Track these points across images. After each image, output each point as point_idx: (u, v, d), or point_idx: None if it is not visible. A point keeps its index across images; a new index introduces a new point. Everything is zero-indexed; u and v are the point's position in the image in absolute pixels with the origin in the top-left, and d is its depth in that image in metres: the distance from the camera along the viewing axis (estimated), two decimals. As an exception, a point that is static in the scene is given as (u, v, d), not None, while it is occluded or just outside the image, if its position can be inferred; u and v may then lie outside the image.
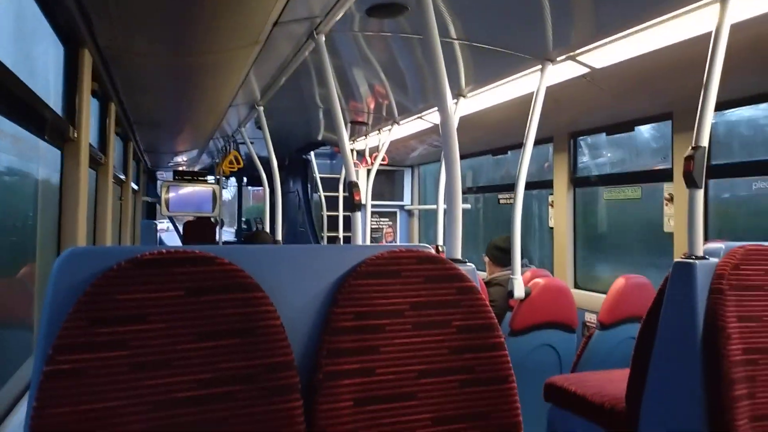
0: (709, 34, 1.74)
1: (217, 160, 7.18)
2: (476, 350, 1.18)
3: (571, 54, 2.50)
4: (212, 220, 7.37)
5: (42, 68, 2.08)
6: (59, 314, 0.93)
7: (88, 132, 2.24)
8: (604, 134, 3.52)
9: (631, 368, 1.77)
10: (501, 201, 4.79)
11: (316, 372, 1.08)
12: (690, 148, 1.68)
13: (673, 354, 1.61)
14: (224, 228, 8.41)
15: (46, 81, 2.07)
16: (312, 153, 6.29)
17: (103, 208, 3.07)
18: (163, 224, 10.55)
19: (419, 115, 4.04)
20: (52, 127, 1.87)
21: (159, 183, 7.15)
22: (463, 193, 1.64)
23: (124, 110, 3.74)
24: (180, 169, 7.64)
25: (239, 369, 1.01)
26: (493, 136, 4.36)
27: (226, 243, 8.00)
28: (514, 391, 1.18)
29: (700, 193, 1.69)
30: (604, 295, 2.82)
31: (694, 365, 1.52)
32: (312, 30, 2.27)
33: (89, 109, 2.23)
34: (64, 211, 2.11)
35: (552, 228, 3.86)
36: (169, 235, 10.53)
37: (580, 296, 3.35)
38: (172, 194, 6.71)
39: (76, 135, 2.11)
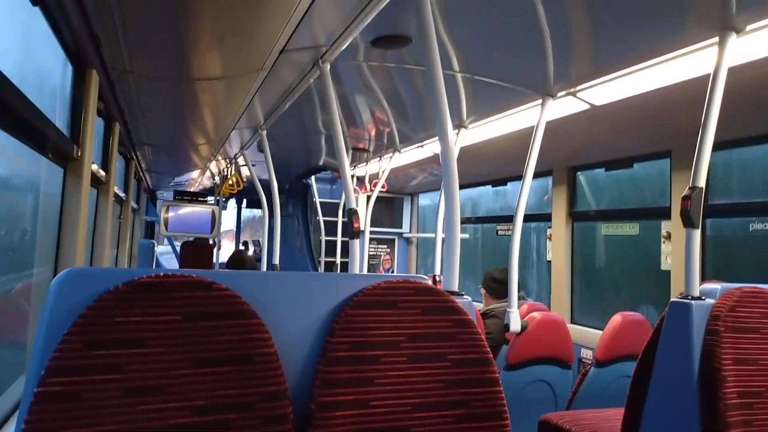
0: (708, 75, 1.77)
1: (217, 182, 7.20)
2: (471, 385, 1.17)
3: (572, 90, 2.53)
4: (210, 242, 7.35)
5: (49, 87, 2.11)
6: (54, 335, 0.93)
7: (92, 151, 2.25)
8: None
9: (627, 407, 1.76)
10: (499, 232, 4.79)
11: (309, 402, 1.07)
12: (687, 188, 1.70)
13: (668, 394, 1.60)
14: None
15: (52, 100, 2.09)
16: (312, 177, 6.32)
17: (103, 226, 3.07)
18: (162, 247, 10.49)
19: (420, 143, 4.08)
20: (56, 145, 1.88)
21: (159, 203, 7.15)
22: (462, 223, 1.65)
23: (128, 130, 3.77)
24: (180, 189, 7.65)
25: (233, 397, 1.00)
26: (493, 168, 4.39)
27: (222, 265, 7.97)
28: (508, 428, 1.17)
29: (697, 233, 1.70)
30: (600, 331, 2.81)
31: (689, 407, 1.51)
32: (317, 58, 2.30)
33: (93, 128, 2.25)
34: (64, 229, 2.11)
35: (550, 261, 3.86)
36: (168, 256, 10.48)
37: (576, 332, 3.33)
38: (171, 214, 6.70)
39: (79, 154, 2.12)
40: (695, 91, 2.01)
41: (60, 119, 2.09)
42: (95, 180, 2.72)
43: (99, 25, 1.91)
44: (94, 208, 3.03)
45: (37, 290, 2.10)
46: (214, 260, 7.13)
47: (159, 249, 9.28)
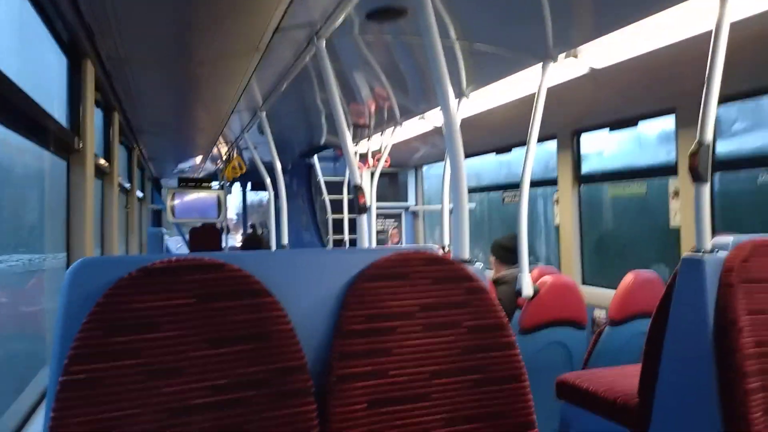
0: (710, 30, 1.74)
1: (221, 166, 7.21)
2: (488, 350, 1.18)
3: (572, 52, 2.50)
4: (217, 226, 7.38)
5: (45, 80, 2.10)
6: (73, 324, 0.94)
7: (93, 142, 2.25)
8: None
9: (643, 364, 1.77)
10: (506, 200, 4.78)
11: (328, 375, 1.08)
12: (695, 143, 1.68)
13: (684, 348, 1.61)
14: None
15: (49, 92, 2.08)
16: (315, 156, 6.31)
17: (110, 216, 3.08)
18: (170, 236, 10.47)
19: (421, 115, 4.05)
20: (58, 138, 1.88)
21: (164, 190, 7.17)
22: (468, 192, 1.64)
23: (128, 119, 3.76)
24: (184, 176, 7.66)
25: (252, 374, 1.01)
26: (497, 136, 4.36)
27: (232, 249, 8.03)
28: (527, 389, 1.18)
29: (706, 188, 1.69)
30: (612, 291, 2.82)
31: (706, 359, 1.52)
32: (312, 35, 2.28)
33: (93, 119, 2.24)
34: (72, 220, 2.12)
35: (558, 226, 3.86)
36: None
37: (589, 292, 3.34)
38: (177, 201, 6.72)
39: (81, 145, 2.12)
40: (698, 46, 1.98)
41: (59, 112, 2.08)
42: (99, 171, 2.72)
43: (91, 15, 1.90)
44: (100, 200, 3.04)
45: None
46: (223, 244, 7.17)
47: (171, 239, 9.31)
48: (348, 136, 2.40)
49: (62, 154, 2.08)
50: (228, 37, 2.21)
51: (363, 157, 5.30)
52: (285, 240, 3.98)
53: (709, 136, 1.69)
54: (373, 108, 3.97)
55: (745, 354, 1.44)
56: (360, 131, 4.76)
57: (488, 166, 5.05)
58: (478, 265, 1.43)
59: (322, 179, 6.29)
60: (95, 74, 2.27)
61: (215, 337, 1.00)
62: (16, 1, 1.67)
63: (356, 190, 2.30)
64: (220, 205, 6.85)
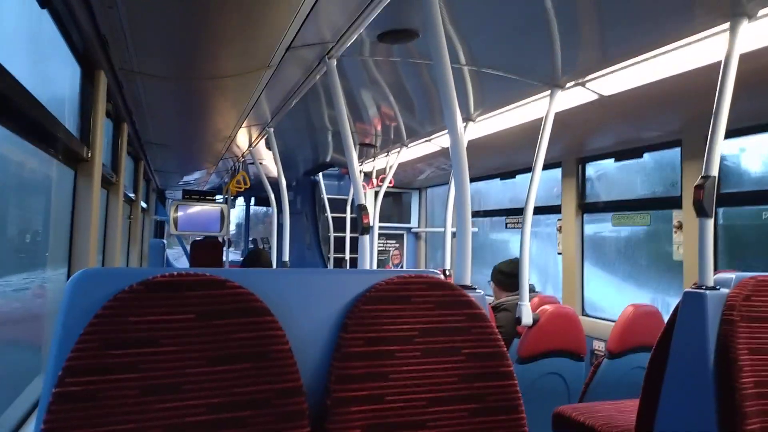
0: (719, 62, 1.75)
1: (226, 180, 7.23)
2: (486, 378, 1.17)
3: (580, 80, 2.52)
4: (220, 239, 7.38)
5: (58, 89, 2.12)
6: (71, 336, 0.93)
7: (101, 152, 2.26)
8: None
9: (641, 399, 1.75)
10: (508, 225, 4.78)
11: (325, 398, 1.07)
12: (700, 177, 1.68)
13: (684, 385, 1.59)
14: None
15: (61, 101, 2.10)
16: (320, 174, 6.34)
17: (114, 227, 3.09)
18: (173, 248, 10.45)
19: (427, 138, 4.06)
20: (67, 147, 1.89)
21: (168, 202, 7.19)
22: (471, 216, 1.64)
23: (136, 131, 3.78)
24: (189, 188, 7.67)
25: (249, 394, 1.00)
26: (502, 160, 4.38)
27: (232, 264, 8.02)
28: (524, 421, 1.17)
29: (710, 223, 1.69)
30: (612, 323, 2.80)
31: (705, 397, 1.50)
32: (323, 55, 2.30)
33: (103, 129, 2.26)
34: (76, 230, 2.12)
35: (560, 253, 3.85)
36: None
37: (588, 324, 3.32)
38: (180, 213, 6.73)
39: (89, 155, 2.13)
40: (706, 78, 1.99)
41: (69, 121, 2.09)
42: (105, 181, 2.73)
43: (106, 27, 1.92)
44: (104, 209, 3.05)
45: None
46: (224, 258, 7.16)
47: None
48: (354, 155, 2.41)
49: (70, 164, 2.09)
50: (240, 53, 2.24)
51: (368, 177, 5.31)
52: (286, 256, 3.97)
53: (715, 170, 1.69)
54: (380, 128, 3.99)
55: (745, 394, 1.43)
56: (366, 151, 4.78)
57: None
58: (479, 291, 1.43)
59: (326, 197, 6.31)
60: (107, 85, 2.30)
61: (213, 355, 1.00)
62: (34, 9, 1.69)
63: (360, 209, 2.31)
64: (223, 219, 6.86)
